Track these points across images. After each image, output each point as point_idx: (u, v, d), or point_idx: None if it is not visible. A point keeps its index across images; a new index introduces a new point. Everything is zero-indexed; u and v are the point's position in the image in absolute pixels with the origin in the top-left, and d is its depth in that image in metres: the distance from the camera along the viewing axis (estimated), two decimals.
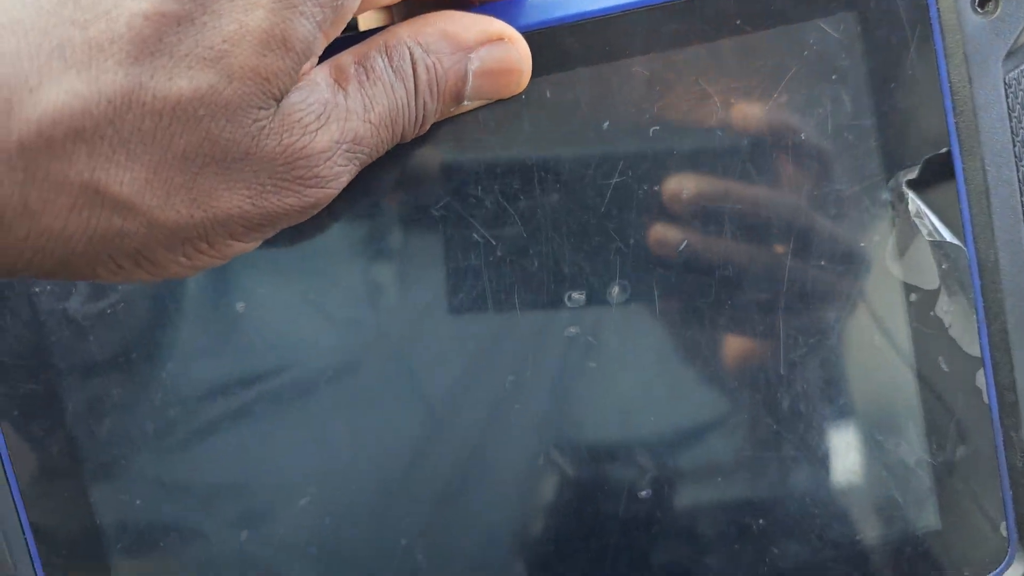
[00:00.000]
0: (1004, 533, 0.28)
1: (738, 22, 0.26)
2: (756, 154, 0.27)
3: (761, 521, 0.28)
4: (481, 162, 0.26)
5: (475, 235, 0.26)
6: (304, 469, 0.27)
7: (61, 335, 0.26)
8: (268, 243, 0.26)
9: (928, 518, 0.29)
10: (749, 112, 0.26)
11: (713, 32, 0.26)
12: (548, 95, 0.26)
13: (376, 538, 0.27)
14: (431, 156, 0.26)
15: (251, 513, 0.27)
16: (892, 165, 0.27)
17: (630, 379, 0.27)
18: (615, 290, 0.27)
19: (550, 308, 0.27)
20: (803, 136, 0.27)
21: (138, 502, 0.27)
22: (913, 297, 0.28)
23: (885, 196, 0.27)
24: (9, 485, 0.26)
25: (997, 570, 0.29)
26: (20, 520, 0.26)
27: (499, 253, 0.26)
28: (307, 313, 0.26)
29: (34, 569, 0.26)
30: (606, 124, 0.26)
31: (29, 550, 0.26)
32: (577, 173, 0.26)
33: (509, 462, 0.27)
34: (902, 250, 0.27)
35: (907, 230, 0.27)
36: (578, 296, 0.27)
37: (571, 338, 0.27)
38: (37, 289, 0.26)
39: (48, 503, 0.26)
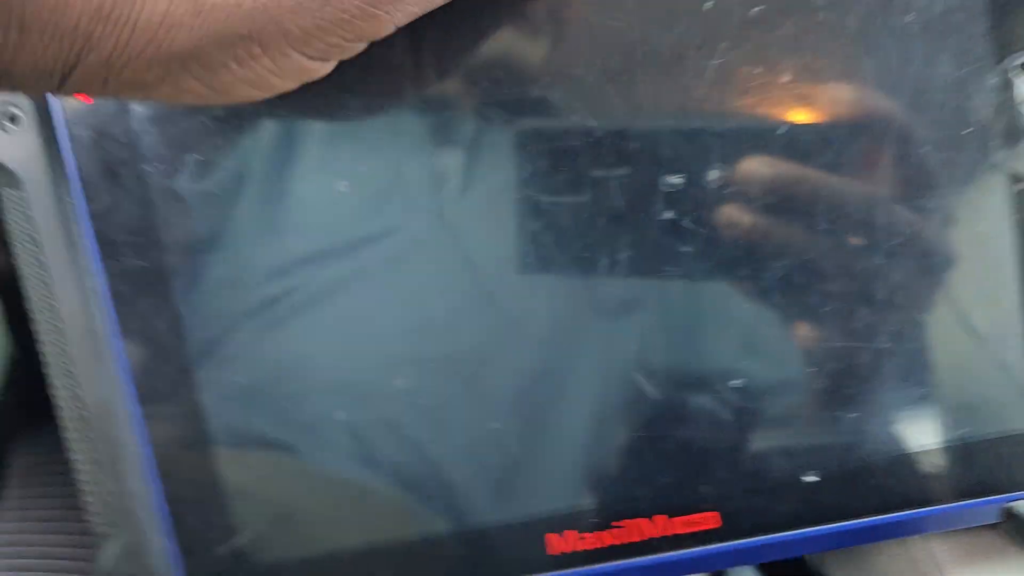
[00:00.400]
0: None
1: None
2: (861, 36, 0.26)
3: (854, 415, 0.28)
4: (581, 38, 0.26)
5: (573, 115, 0.26)
6: (402, 348, 0.27)
7: (169, 212, 0.27)
8: (367, 118, 0.27)
9: None
10: None
11: None
12: None
13: (468, 420, 0.28)
14: (529, 29, 0.26)
15: (347, 390, 0.28)
16: (1003, 48, 0.26)
17: (724, 266, 0.27)
18: (713, 174, 0.26)
19: (645, 190, 0.27)
20: (909, 17, 0.26)
21: (241, 380, 0.28)
22: (1019, 187, 0.27)
23: (994, 80, 0.26)
24: (118, 362, 0.27)
25: None
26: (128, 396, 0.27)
27: (596, 134, 0.26)
28: (406, 191, 0.27)
29: (136, 441, 0.27)
30: (709, 3, 0.26)
31: (132, 420, 0.27)
32: (677, 53, 0.26)
33: (601, 345, 0.28)
34: (1009, 138, 0.27)
35: (1015, 117, 0.26)
36: (674, 179, 0.27)
37: (666, 222, 0.27)
38: (147, 167, 0.27)
39: (154, 377, 0.27)
